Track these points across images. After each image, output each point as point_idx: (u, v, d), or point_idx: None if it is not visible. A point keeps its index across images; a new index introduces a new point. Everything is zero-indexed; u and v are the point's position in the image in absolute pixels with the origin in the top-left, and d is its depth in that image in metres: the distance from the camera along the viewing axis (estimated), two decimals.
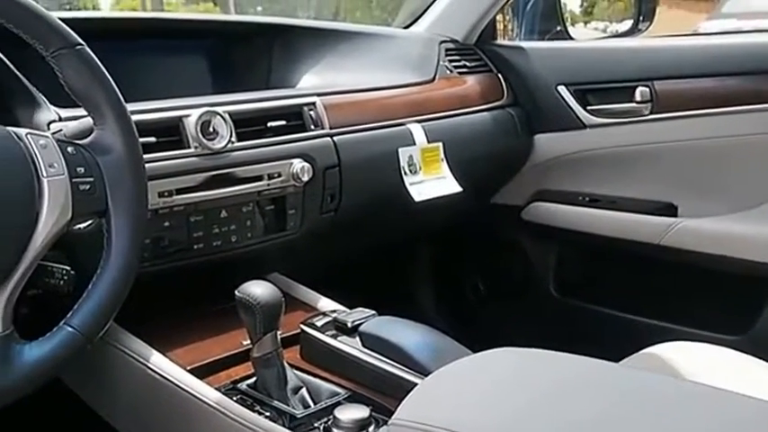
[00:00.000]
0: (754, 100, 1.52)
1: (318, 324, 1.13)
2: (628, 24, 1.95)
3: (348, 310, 1.17)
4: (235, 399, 1.01)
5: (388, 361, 1.04)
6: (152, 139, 1.08)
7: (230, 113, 1.19)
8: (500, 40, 1.91)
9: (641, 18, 1.89)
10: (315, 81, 1.60)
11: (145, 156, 0.91)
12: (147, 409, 1.12)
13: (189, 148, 1.13)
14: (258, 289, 0.99)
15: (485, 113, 1.69)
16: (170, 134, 1.13)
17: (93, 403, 1.22)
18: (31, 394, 0.81)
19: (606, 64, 1.72)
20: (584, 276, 1.84)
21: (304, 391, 1.04)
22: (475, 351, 0.91)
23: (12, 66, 1.03)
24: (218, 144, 1.16)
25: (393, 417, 0.77)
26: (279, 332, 1.02)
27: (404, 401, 0.78)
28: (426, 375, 0.87)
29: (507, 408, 0.75)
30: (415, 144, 1.46)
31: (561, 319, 1.82)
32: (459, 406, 0.77)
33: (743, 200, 1.56)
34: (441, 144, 1.50)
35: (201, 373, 1.06)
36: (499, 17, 1.90)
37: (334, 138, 1.34)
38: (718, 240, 1.55)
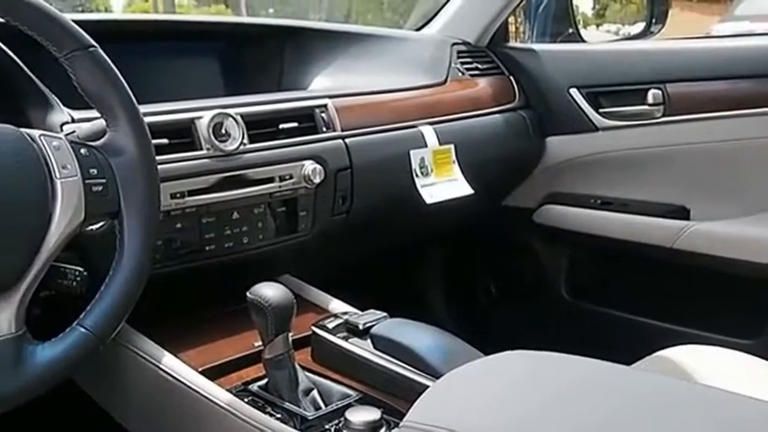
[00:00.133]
0: (767, 103, 1.52)
1: (330, 326, 1.13)
2: (640, 27, 1.94)
3: (359, 312, 1.17)
4: (246, 400, 1.01)
5: (399, 363, 1.03)
6: (164, 140, 1.08)
7: (242, 115, 1.19)
8: (512, 43, 1.91)
9: (653, 20, 1.89)
10: (326, 83, 1.60)
11: (157, 157, 0.91)
12: (159, 410, 1.12)
13: (201, 149, 1.14)
14: (270, 291, 0.99)
15: (496, 116, 1.69)
16: (182, 136, 1.13)
17: (105, 404, 1.23)
18: (43, 395, 0.82)
19: (618, 66, 1.71)
20: (596, 279, 1.84)
21: (315, 392, 1.04)
22: (486, 354, 0.90)
23: (25, 67, 1.04)
24: (231, 146, 1.16)
25: (404, 419, 0.76)
26: (290, 334, 1.02)
27: (415, 404, 0.78)
28: (438, 378, 0.86)
29: (519, 410, 0.75)
30: (426, 146, 1.46)
31: (573, 322, 1.81)
32: (471, 408, 0.77)
33: (756, 203, 1.56)
34: (452, 146, 1.50)
35: (213, 374, 1.06)
36: (511, 19, 1.90)
37: (346, 140, 1.34)
38: (731, 244, 1.55)
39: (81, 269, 0.96)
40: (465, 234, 1.91)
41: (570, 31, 1.95)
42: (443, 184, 1.47)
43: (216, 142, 1.14)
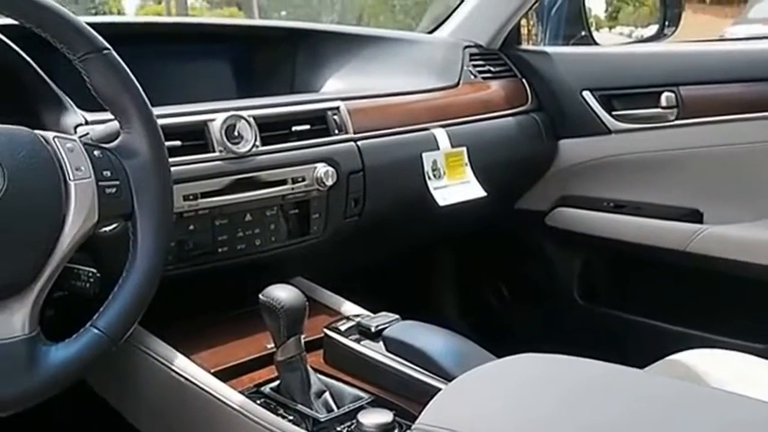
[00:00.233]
0: None
1: (342, 328, 1.13)
2: (653, 29, 1.93)
3: (372, 315, 1.17)
4: (258, 402, 1.01)
5: (411, 366, 1.03)
6: (177, 142, 1.08)
7: (255, 117, 1.19)
8: (524, 45, 1.91)
9: (667, 23, 1.88)
10: (339, 86, 1.61)
11: (170, 159, 0.92)
12: (172, 412, 1.12)
13: (214, 151, 1.14)
14: (282, 293, 0.99)
15: (509, 118, 1.69)
16: (195, 138, 1.13)
17: (118, 405, 1.23)
18: (56, 396, 0.82)
19: (631, 69, 1.71)
20: (609, 282, 1.83)
21: (327, 395, 1.04)
22: (499, 357, 0.90)
23: (39, 70, 1.04)
24: (243, 148, 1.16)
25: (416, 421, 0.76)
26: (302, 336, 1.02)
27: (427, 406, 0.78)
28: (450, 380, 0.86)
29: (531, 413, 0.75)
30: (438, 149, 1.46)
31: (585, 325, 1.80)
32: (483, 411, 0.76)
33: None
34: (465, 149, 1.50)
35: (225, 375, 1.06)
36: (523, 22, 1.90)
37: (358, 142, 1.34)
38: (745, 247, 1.54)
39: (94, 270, 0.96)
40: (477, 237, 1.91)
41: (583, 33, 1.95)
42: (456, 187, 1.47)
43: (228, 144, 1.15)
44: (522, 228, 1.88)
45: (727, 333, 1.55)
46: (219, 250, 1.17)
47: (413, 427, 0.77)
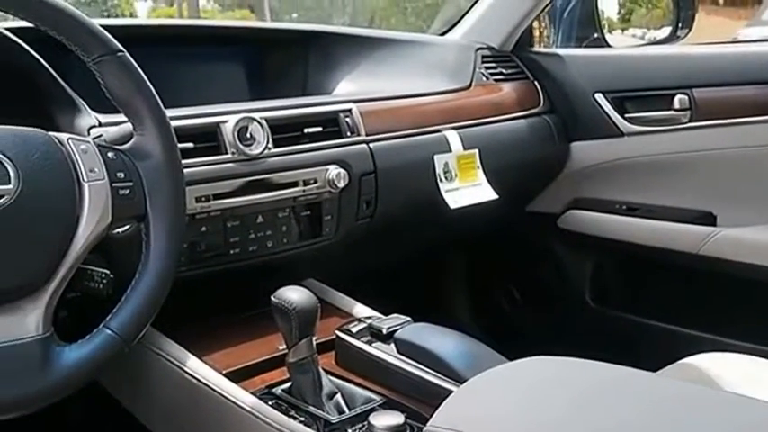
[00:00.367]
0: None
1: (353, 330, 1.13)
2: (666, 31, 1.93)
3: (383, 317, 1.17)
4: (270, 403, 1.01)
5: (423, 368, 1.03)
6: (190, 144, 1.09)
7: (267, 119, 1.19)
8: (537, 48, 1.91)
9: (680, 25, 1.87)
10: (351, 88, 1.61)
11: (183, 161, 0.92)
12: (183, 412, 1.13)
13: (226, 153, 1.14)
14: (294, 294, 1.00)
15: (521, 121, 1.68)
16: (208, 140, 1.14)
17: (130, 405, 1.24)
18: (69, 396, 0.82)
19: (644, 71, 1.70)
20: (621, 285, 1.82)
21: (339, 396, 1.04)
22: (510, 359, 0.90)
23: (54, 72, 1.05)
24: (255, 150, 1.17)
25: (428, 424, 0.76)
26: (314, 338, 1.02)
27: (439, 408, 0.78)
28: (462, 383, 0.86)
29: (543, 416, 0.75)
30: (450, 151, 1.46)
31: (597, 328, 1.80)
32: (495, 414, 0.76)
33: None
34: (476, 151, 1.50)
35: (237, 377, 1.07)
36: (536, 24, 1.89)
37: (370, 144, 1.34)
38: (758, 250, 1.53)
39: (107, 271, 0.97)
40: (488, 239, 1.91)
41: (595, 35, 1.94)
42: (467, 189, 1.46)
43: (241, 146, 1.15)
44: (533, 230, 1.88)
45: (739, 336, 1.54)
46: (231, 252, 1.17)
47: (424, 429, 0.77)
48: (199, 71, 1.52)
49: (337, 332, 1.14)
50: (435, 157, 1.44)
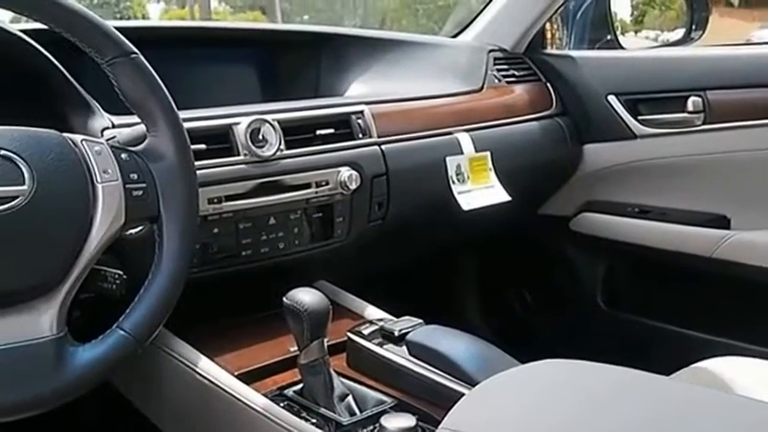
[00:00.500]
0: None
1: (365, 332, 1.13)
2: (679, 33, 1.92)
3: (395, 319, 1.17)
4: (281, 405, 1.01)
5: (434, 370, 1.03)
6: (202, 146, 1.09)
7: (279, 121, 1.19)
8: (549, 50, 1.90)
9: (693, 27, 1.86)
10: (363, 90, 1.61)
11: (195, 163, 0.92)
12: (195, 413, 1.13)
13: (238, 155, 1.15)
14: (306, 296, 1.00)
15: (533, 123, 1.68)
16: (220, 141, 1.14)
17: (141, 406, 1.24)
18: (82, 396, 0.83)
19: (657, 73, 1.69)
20: (634, 289, 1.81)
21: (350, 398, 1.04)
22: (522, 362, 0.90)
23: (68, 74, 1.05)
24: (268, 152, 1.17)
25: (440, 426, 0.76)
26: (326, 339, 1.02)
27: (451, 411, 0.78)
28: (473, 385, 0.86)
29: (555, 419, 0.74)
30: (462, 153, 1.46)
31: (609, 331, 1.79)
32: (507, 417, 0.76)
33: None
34: (488, 153, 1.50)
35: (249, 378, 1.07)
36: (548, 26, 1.89)
37: (382, 146, 1.34)
38: None
39: (120, 272, 0.97)
40: (500, 241, 1.90)
41: (608, 37, 1.93)
42: (480, 191, 1.46)
43: (253, 148, 1.15)
44: (545, 233, 1.88)
45: (753, 341, 1.53)
46: (243, 253, 1.17)
47: (436, 431, 0.76)
48: (211, 73, 1.52)
49: (349, 334, 1.14)
50: (447, 158, 1.43)
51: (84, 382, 0.81)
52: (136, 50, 0.87)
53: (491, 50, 1.74)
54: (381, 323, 1.15)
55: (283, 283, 1.04)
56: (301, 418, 0.98)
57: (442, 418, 0.77)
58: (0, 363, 0.77)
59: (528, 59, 1.80)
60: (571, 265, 1.88)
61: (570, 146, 1.74)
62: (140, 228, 0.93)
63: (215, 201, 1.11)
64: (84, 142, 0.84)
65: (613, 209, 1.74)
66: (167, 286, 0.86)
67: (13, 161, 0.78)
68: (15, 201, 0.77)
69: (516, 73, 1.74)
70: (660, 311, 1.72)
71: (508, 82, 1.71)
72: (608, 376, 0.81)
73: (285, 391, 1.05)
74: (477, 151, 1.48)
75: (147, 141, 0.89)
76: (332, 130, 1.27)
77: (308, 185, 1.22)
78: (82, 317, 1.00)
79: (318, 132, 1.26)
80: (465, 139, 1.47)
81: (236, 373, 1.07)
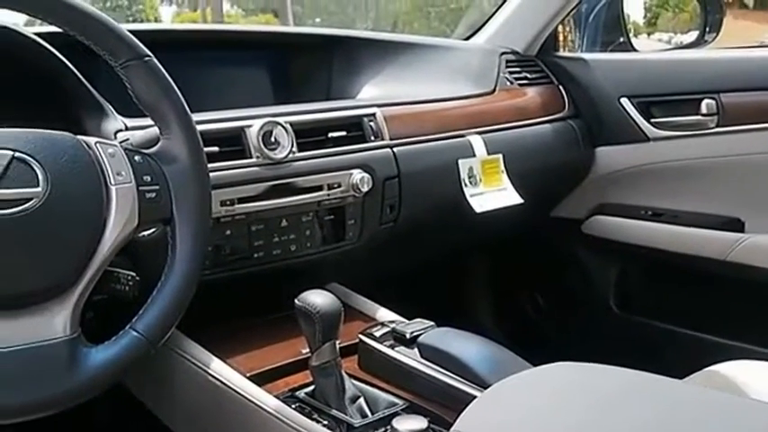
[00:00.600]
0: None
1: (377, 334, 1.13)
2: (693, 36, 1.91)
3: (406, 321, 1.16)
4: (293, 406, 1.01)
5: (446, 373, 1.03)
6: (215, 148, 1.09)
7: (291, 124, 1.20)
8: (561, 52, 1.90)
9: (707, 29, 1.85)
10: (375, 92, 1.61)
11: (208, 165, 0.92)
12: (207, 415, 1.13)
13: (251, 157, 1.15)
14: (318, 298, 1.00)
15: (545, 125, 1.68)
16: (232, 144, 1.14)
17: (154, 407, 1.25)
18: (95, 398, 0.83)
19: (671, 76, 1.69)
20: (647, 292, 1.81)
21: (362, 400, 1.04)
22: (534, 365, 0.90)
23: (81, 77, 1.06)
24: (280, 154, 1.17)
25: (451, 429, 0.76)
26: (337, 341, 1.02)
27: (462, 413, 0.78)
28: (485, 388, 0.86)
29: (567, 422, 0.74)
30: (474, 156, 1.46)
31: (622, 334, 1.78)
32: (519, 419, 0.76)
33: None
34: (501, 156, 1.49)
35: (260, 380, 1.07)
36: (560, 28, 1.89)
37: (394, 149, 1.34)
38: None
39: (133, 274, 0.97)
40: (512, 244, 1.90)
41: (621, 39, 1.93)
42: (492, 194, 1.46)
43: (265, 150, 1.15)
44: (557, 236, 1.87)
45: (767, 344, 1.52)
46: (255, 255, 1.17)
47: None
48: (223, 75, 1.52)
49: (360, 336, 1.14)
50: (460, 161, 1.43)
51: (97, 383, 0.82)
52: (149, 53, 0.88)
53: (503, 53, 1.74)
54: (393, 325, 1.14)
55: (295, 285, 1.04)
56: (313, 419, 0.98)
57: (454, 421, 0.77)
58: (14, 363, 0.77)
59: (540, 62, 1.80)
60: (583, 268, 1.87)
61: (583, 148, 1.74)
62: (153, 230, 0.93)
63: (227, 203, 1.11)
64: (97, 144, 0.85)
65: (626, 212, 1.73)
66: (180, 288, 0.86)
67: (27, 163, 0.79)
68: (30, 203, 0.78)
69: (528, 75, 1.74)
70: (673, 315, 1.71)
71: (520, 84, 1.71)
72: (620, 379, 0.81)
73: (297, 393, 1.05)
74: (489, 154, 1.48)
75: (160, 144, 0.89)
76: (344, 133, 1.28)
77: (319, 188, 1.22)
78: (95, 318, 1.01)
79: (330, 135, 1.26)
80: (477, 142, 1.47)
81: (247, 375, 1.07)
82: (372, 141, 1.31)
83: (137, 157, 0.86)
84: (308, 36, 1.75)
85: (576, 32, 2.04)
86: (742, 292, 1.60)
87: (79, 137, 0.85)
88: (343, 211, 1.27)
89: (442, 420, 0.95)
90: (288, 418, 0.99)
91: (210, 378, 1.08)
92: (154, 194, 0.86)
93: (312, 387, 1.05)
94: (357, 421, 0.99)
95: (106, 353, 0.82)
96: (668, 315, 1.72)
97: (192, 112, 0.91)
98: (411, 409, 1.01)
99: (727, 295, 1.64)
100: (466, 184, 1.43)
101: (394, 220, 1.35)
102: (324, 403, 1.02)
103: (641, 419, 0.73)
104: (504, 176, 1.49)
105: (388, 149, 1.33)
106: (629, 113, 1.68)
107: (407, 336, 1.10)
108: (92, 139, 0.85)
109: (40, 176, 0.79)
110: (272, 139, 1.17)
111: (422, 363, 1.06)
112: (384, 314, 1.27)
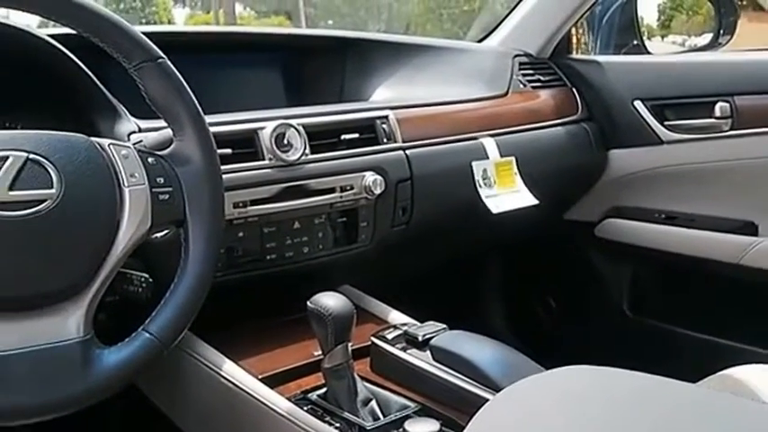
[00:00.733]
0: None
1: (389, 337, 1.13)
2: (707, 38, 1.90)
3: (419, 324, 1.16)
4: (305, 409, 1.01)
5: (458, 375, 1.03)
6: (228, 150, 1.09)
7: (304, 126, 1.20)
8: (575, 54, 1.89)
9: (721, 32, 1.84)
10: (388, 94, 1.61)
11: (221, 167, 0.93)
12: (219, 416, 1.13)
13: (264, 159, 1.15)
14: (330, 300, 1.00)
15: (558, 128, 1.67)
16: (245, 146, 1.14)
17: (165, 408, 1.25)
18: (108, 399, 0.83)
19: (684, 78, 1.68)
20: (660, 295, 1.80)
21: (374, 403, 1.04)
22: (547, 368, 0.89)
23: (95, 79, 1.06)
24: (293, 156, 1.17)
25: (463, 431, 0.76)
26: (350, 344, 1.02)
27: (475, 417, 0.77)
28: (498, 391, 0.86)
29: (579, 426, 0.74)
30: (488, 158, 1.45)
31: (635, 338, 1.78)
32: (531, 423, 0.76)
33: None
34: (514, 158, 1.49)
35: (273, 382, 1.07)
36: (574, 31, 1.88)
37: (407, 151, 1.34)
38: None
39: (146, 276, 0.98)
40: (525, 247, 1.90)
41: (635, 42, 1.92)
42: (507, 195, 1.46)
43: (278, 152, 1.16)
44: (570, 239, 1.87)
45: None
46: (268, 257, 1.18)
47: None
48: (236, 77, 1.53)
49: (373, 339, 1.14)
50: (473, 163, 1.43)
51: (110, 385, 0.82)
52: (162, 55, 0.88)
53: (516, 55, 1.73)
54: (405, 328, 1.14)
55: (307, 287, 1.04)
56: (325, 422, 0.98)
57: (466, 424, 0.77)
58: (27, 364, 0.77)
59: (553, 64, 1.79)
60: (596, 271, 1.87)
61: (596, 151, 1.73)
62: (166, 231, 0.93)
63: (240, 205, 1.12)
64: (111, 146, 0.85)
65: (639, 215, 1.73)
66: (193, 289, 0.86)
67: (41, 165, 0.79)
68: (44, 204, 0.78)
69: (542, 78, 1.73)
70: (686, 318, 1.70)
71: (533, 87, 1.71)
72: (633, 383, 0.81)
73: (309, 395, 1.05)
74: (501, 156, 1.47)
75: (173, 145, 0.89)
76: (357, 135, 1.28)
77: (332, 190, 1.22)
78: (108, 319, 1.01)
79: (343, 137, 1.26)
80: (490, 144, 1.47)
81: (260, 377, 1.07)
82: (385, 144, 1.31)
83: (150, 159, 0.87)
84: (321, 38, 1.76)
85: (590, 35, 2.03)
86: (755, 295, 1.59)
87: (93, 138, 0.85)
88: (356, 214, 1.27)
89: (455, 423, 0.95)
90: (300, 420, 0.99)
91: (223, 380, 1.09)
92: (167, 196, 0.86)
93: (324, 389, 1.05)
94: (369, 424, 0.99)
95: (119, 354, 0.82)
96: (681, 318, 1.71)
97: (205, 113, 0.91)
98: (423, 412, 1.01)
99: (741, 299, 1.63)
100: (480, 186, 1.43)
101: (406, 222, 1.35)
102: (336, 406, 1.02)
103: (655, 423, 0.73)
104: (518, 178, 1.49)
105: (401, 152, 1.33)
106: (642, 116, 1.68)
107: (420, 338, 1.10)
108: (105, 141, 0.85)
109: (54, 178, 0.79)
110: (285, 141, 1.17)
111: (434, 365, 1.06)
112: (396, 317, 1.27)
